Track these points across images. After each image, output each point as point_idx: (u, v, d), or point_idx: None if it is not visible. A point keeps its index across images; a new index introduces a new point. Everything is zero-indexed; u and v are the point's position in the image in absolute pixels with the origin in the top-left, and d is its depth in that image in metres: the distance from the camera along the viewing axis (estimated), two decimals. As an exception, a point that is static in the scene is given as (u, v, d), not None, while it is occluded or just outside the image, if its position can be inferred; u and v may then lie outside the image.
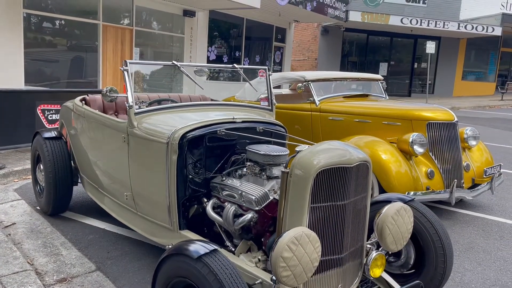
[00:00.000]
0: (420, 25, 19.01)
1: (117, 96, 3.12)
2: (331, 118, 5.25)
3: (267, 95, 3.87)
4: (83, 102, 4.16)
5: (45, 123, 6.69)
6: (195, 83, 3.43)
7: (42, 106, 6.66)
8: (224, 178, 2.97)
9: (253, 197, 2.65)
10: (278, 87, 7.15)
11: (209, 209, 2.94)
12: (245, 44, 16.76)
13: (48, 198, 4.13)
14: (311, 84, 5.44)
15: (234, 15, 15.62)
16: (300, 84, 5.44)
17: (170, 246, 2.99)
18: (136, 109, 3.12)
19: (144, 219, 3.27)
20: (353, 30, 20.96)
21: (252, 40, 17.20)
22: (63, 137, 4.29)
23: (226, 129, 3.04)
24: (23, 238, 3.80)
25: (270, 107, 3.85)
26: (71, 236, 3.87)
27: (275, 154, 2.82)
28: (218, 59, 15.64)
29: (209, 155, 3.05)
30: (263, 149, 2.88)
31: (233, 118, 3.15)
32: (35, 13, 10.40)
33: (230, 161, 3.11)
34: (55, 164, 4.02)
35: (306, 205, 2.29)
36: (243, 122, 3.18)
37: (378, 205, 2.93)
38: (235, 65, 3.72)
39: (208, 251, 2.10)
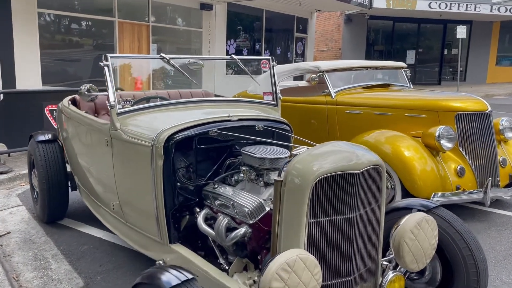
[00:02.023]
0: (450, 9, 18.05)
1: (97, 95, 2.80)
2: (348, 111, 4.80)
3: (271, 88, 3.47)
4: (69, 102, 3.87)
5: (54, 124, 6.50)
6: (187, 77, 3.08)
7: (50, 106, 6.47)
8: (216, 186, 2.61)
9: (246, 209, 2.28)
10: (301, 78, 6.74)
11: (200, 220, 2.59)
12: (266, 36, 16.33)
13: (43, 205, 3.88)
14: (325, 75, 5.00)
15: (253, 6, 15.19)
16: (314, 75, 5.01)
17: (160, 262, 2.67)
18: (119, 108, 2.79)
19: (134, 230, 2.96)
20: (378, 18, 20.16)
21: (273, 32, 16.74)
22: (58, 140, 4.02)
23: (219, 129, 2.68)
24: (14, 249, 3.56)
25: (275, 102, 3.46)
26: (65, 246, 3.60)
27: (273, 157, 2.43)
28: (238, 53, 15.27)
29: (201, 159, 2.70)
30: (259, 151, 2.50)
31: (229, 116, 2.78)
32: (50, 12, 10.30)
33: (225, 165, 2.75)
34: (48, 169, 3.76)
35: (304, 220, 1.91)
36: (239, 120, 2.80)
37: (397, 213, 2.52)
38: (233, 55, 3.34)
39: (180, 282, 1.75)
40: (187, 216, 2.72)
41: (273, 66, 3.46)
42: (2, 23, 9.47)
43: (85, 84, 2.76)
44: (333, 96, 4.93)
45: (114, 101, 2.74)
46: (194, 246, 2.71)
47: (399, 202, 2.66)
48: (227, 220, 2.42)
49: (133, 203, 2.87)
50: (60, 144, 4.02)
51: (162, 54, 2.96)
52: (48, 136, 3.95)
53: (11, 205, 4.62)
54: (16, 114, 6.20)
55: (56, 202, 3.85)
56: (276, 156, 2.44)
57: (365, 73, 5.53)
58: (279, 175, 2.01)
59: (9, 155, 6.35)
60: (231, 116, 2.78)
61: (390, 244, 2.19)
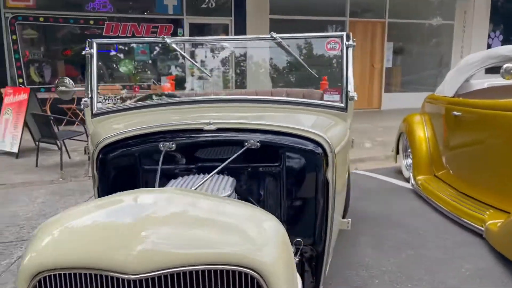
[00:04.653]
0: None
1: (75, 91, 2.30)
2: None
3: (341, 84, 2.16)
4: None
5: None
6: (197, 66, 2.23)
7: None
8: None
9: None
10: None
11: None
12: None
13: None
14: (530, 64, 3.01)
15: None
16: (510, 65, 3.09)
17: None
18: (98, 108, 2.20)
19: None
20: None
21: None
22: None
23: (180, 142, 1.75)
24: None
25: (343, 104, 2.14)
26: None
27: None
28: (506, 48, 12.13)
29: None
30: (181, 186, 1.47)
31: (209, 123, 1.79)
32: (280, 18, 10.59)
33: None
34: None
35: None
36: (218, 130, 1.77)
37: None
38: (272, 33, 2.23)
39: None
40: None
41: (347, 47, 2.15)
42: (238, 29, 10.32)
43: (63, 79, 2.29)
44: (539, 99, 2.91)
45: (90, 97, 2.17)
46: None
47: None
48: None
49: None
50: None
51: (163, 36, 2.22)
52: None
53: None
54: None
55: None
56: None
57: None
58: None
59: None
60: (212, 124, 1.77)
61: None
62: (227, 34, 10.37)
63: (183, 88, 9.77)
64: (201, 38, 2.46)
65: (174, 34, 10.01)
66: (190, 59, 2.39)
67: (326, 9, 10.84)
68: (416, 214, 3.95)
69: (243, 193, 1.77)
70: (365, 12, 11.15)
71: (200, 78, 10.48)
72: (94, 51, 2.25)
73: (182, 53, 2.37)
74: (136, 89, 9.52)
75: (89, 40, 2.25)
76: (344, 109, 2.14)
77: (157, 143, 1.74)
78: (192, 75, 10.44)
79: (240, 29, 10.25)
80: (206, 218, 0.95)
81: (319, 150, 1.74)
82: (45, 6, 9.18)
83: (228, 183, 1.59)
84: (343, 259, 2.99)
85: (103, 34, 9.38)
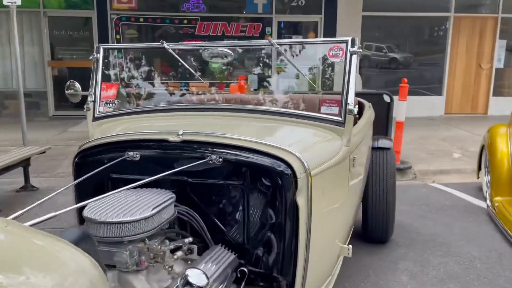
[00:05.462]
0: None
1: (81, 94, 2.35)
2: None
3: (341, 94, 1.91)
4: None
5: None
6: (192, 71, 2.15)
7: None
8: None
9: None
10: None
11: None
12: None
13: None
14: None
15: None
16: None
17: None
18: (100, 111, 2.24)
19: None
20: None
21: None
22: None
23: (148, 153, 1.71)
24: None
25: (340, 118, 1.89)
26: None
27: (106, 219, 1.31)
28: None
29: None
30: (108, 202, 1.42)
31: (179, 134, 1.71)
32: (373, 15, 10.04)
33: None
34: None
35: None
36: (183, 142, 1.68)
37: None
38: (271, 39, 2.03)
39: None
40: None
41: (351, 54, 1.89)
42: (328, 27, 10.03)
43: (73, 83, 2.34)
44: None
45: (91, 102, 2.23)
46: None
47: None
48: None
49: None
50: None
51: (162, 41, 2.18)
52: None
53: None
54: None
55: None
56: (114, 219, 1.30)
57: None
58: None
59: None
60: (182, 134, 1.70)
61: None
62: (316, 33, 10.13)
63: (265, 87, 9.80)
64: (197, 44, 2.40)
65: (262, 33, 10.07)
66: (185, 64, 2.33)
67: (427, 4, 10.00)
68: (480, 241, 3.43)
69: (202, 210, 1.67)
70: (473, 7, 10.05)
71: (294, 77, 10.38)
72: (101, 56, 2.32)
73: (179, 58, 2.32)
74: (221, 86, 9.79)
75: (97, 45, 2.32)
76: (342, 124, 1.89)
77: (123, 152, 1.72)
78: (278, 73, 10.43)
79: (330, 27, 9.93)
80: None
81: (288, 171, 1.56)
82: (145, 7, 9.87)
83: (156, 202, 1.49)
84: (366, 286, 2.71)
85: (195, 33, 9.78)
